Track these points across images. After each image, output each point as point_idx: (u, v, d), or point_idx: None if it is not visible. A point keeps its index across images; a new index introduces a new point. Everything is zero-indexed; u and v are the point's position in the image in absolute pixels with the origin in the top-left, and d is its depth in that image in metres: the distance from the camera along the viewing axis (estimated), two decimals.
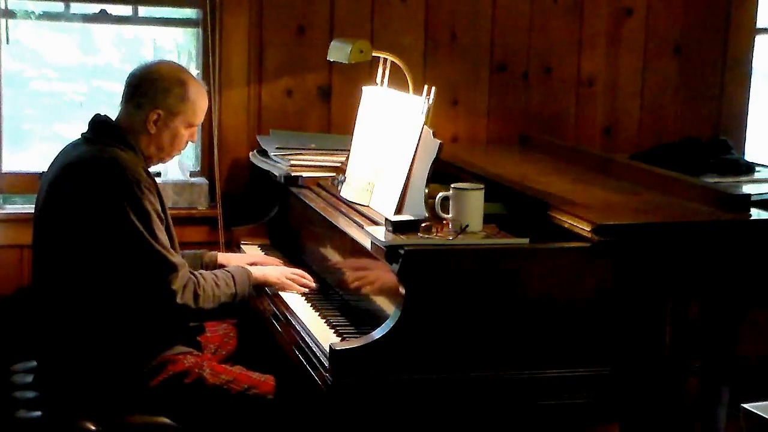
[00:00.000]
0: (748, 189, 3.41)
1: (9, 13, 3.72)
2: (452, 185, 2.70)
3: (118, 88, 3.01)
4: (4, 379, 3.07)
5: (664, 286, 2.70)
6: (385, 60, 3.34)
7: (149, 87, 2.92)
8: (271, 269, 3.17)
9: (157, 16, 3.99)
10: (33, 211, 3.00)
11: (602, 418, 2.75)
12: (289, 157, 3.56)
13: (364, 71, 3.77)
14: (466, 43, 4.15)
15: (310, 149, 3.63)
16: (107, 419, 2.75)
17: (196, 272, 2.86)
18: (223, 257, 3.31)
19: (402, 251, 2.52)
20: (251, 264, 3.18)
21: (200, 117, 3.01)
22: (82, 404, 2.76)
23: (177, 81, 2.94)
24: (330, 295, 3.11)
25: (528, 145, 4.06)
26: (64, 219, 2.80)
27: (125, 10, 3.88)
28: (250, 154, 3.84)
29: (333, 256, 3.21)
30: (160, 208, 2.83)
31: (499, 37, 4.18)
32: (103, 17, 3.86)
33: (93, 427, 2.73)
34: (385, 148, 3.08)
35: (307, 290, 3.11)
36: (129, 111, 2.94)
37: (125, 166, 2.79)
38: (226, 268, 3.03)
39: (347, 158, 3.33)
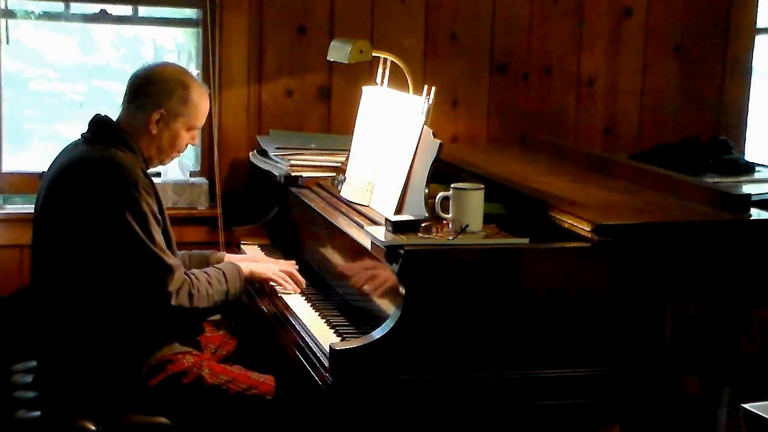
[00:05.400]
0: (748, 189, 3.41)
1: (9, 13, 3.72)
2: (452, 185, 2.69)
3: (118, 88, 3.02)
4: (4, 379, 3.07)
5: (664, 286, 2.70)
6: (385, 60, 3.34)
7: (152, 88, 2.92)
8: (260, 265, 3.16)
9: (157, 16, 3.99)
10: (33, 211, 2.99)
11: (602, 418, 2.75)
12: (289, 157, 3.55)
13: (364, 71, 3.77)
14: (466, 44, 4.15)
15: (310, 149, 3.63)
16: (107, 419, 2.75)
17: (189, 272, 2.86)
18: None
19: (402, 251, 2.52)
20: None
21: (201, 120, 3.01)
22: (82, 404, 2.76)
23: (180, 83, 2.94)
24: (330, 295, 3.11)
25: (528, 145, 4.06)
26: (63, 219, 2.80)
27: (125, 10, 3.88)
28: (250, 154, 3.84)
29: (333, 256, 3.21)
30: (157, 210, 2.83)
31: (499, 38, 4.18)
32: (103, 17, 3.86)
33: (92, 427, 2.73)
34: (385, 148, 3.08)
35: (295, 288, 3.11)
36: (131, 112, 2.94)
37: (123, 167, 2.79)
38: (216, 266, 3.03)
39: (347, 158, 3.33)
